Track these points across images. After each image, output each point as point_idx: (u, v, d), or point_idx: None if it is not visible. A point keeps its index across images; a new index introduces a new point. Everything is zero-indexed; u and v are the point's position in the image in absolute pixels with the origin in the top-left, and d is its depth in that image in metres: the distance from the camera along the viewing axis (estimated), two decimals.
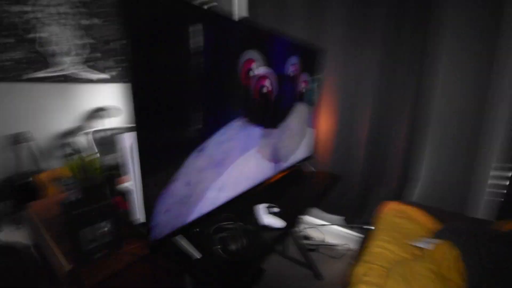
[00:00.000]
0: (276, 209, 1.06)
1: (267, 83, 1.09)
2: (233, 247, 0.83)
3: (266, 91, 1.10)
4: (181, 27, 0.71)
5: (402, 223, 1.33)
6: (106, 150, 2.34)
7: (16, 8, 2.19)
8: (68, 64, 2.55)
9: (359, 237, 1.81)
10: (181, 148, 0.79)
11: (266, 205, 1.05)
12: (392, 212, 1.46)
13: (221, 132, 0.91)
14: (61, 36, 2.48)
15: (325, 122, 1.88)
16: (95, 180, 0.84)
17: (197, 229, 0.89)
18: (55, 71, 2.48)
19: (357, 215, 1.89)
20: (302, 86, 1.41)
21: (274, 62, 1.11)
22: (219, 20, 0.84)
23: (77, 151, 2.61)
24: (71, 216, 0.80)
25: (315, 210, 2.06)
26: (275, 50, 1.12)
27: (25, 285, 1.07)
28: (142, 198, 0.68)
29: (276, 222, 0.98)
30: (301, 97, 1.43)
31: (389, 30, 1.53)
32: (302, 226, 2.06)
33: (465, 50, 1.42)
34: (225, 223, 0.93)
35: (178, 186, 0.79)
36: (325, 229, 2.04)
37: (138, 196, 0.78)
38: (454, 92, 1.50)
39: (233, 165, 0.99)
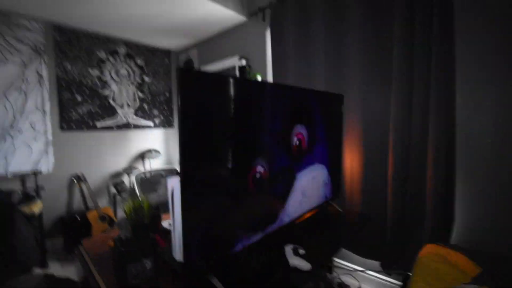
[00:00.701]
0: (302, 251, 1.09)
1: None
2: None
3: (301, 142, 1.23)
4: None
5: (441, 268, 1.25)
6: (147, 191, 2.56)
7: (97, 72, 2.76)
8: (124, 115, 2.99)
9: (397, 284, 1.68)
10: (220, 194, 0.90)
11: (292, 246, 1.09)
12: (430, 257, 1.38)
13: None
14: (120, 92, 2.98)
15: (351, 161, 1.91)
16: (143, 220, 0.97)
17: (227, 269, 0.95)
18: (117, 121, 2.94)
19: (394, 259, 1.78)
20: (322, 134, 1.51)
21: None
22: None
23: (122, 191, 2.88)
24: (120, 252, 0.92)
25: (350, 254, 1.98)
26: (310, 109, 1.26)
27: None
28: (181, 237, 0.79)
29: (302, 264, 1.01)
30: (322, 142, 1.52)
31: (406, 63, 1.61)
32: (335, 273, 1.97)
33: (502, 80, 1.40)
34: (254, 261, 0.99)
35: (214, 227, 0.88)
36: (360, 275, 1.93)
37: (177, 235, 0.89)
38: (492, 122, 1.43)
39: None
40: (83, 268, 1.31)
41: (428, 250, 1.43)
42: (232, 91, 0.92)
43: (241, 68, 2.52)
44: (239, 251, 0.99)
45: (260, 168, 1.04)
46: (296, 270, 1.00)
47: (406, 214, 1.73)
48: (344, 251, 1.99)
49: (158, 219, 1.13)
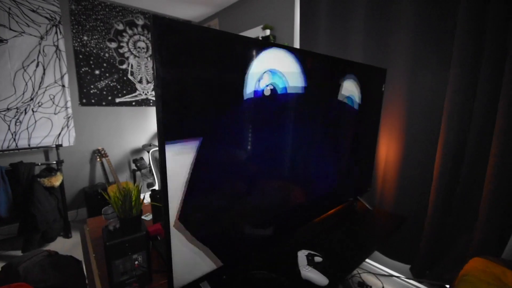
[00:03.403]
0: (318, 258, 0.90)
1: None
2: None
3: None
4: None
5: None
6: None
7: (114, 44, 2.66)
8: (143, 90, 2.91)
9: None
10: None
11: (306, 252, 0.90)
12: (479, 274, 1.12)
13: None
14: (138, 67, 2.88)
15: (387, 151, 1.63)
16: (131, 213, 0.84)
17: (224, 277, 0.80)
18: (136, 96, 2.87)
19: (427, 265, 1.54)
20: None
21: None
22: None
23: (142, 167, 2.87)
24: (105, 247, 0.81)
25: (375, 252, 1.76)
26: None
27: None
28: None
29: (317, 277, 0.82)
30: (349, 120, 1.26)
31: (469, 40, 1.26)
32: (356, 271, 1.78)
33: None
34: (256, 271, 0.82)
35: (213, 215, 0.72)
36: (385, 277, 1.72)
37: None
38: None
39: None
40: (83, 251, 1.25)
41: (477, 264, 1.17)
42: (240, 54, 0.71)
43: (265, 38, 2.24)
44: (239, 253, 0.83)
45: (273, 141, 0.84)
46: (309, 284, 0.82)
47: (451, 218, 1.45)
48: None
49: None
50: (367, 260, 1.82)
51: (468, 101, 1.31)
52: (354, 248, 1.05)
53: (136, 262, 0.85)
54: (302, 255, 0.90)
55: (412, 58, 1.47)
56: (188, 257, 0.70)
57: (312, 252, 0.91)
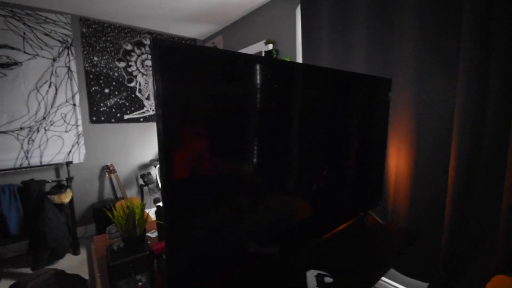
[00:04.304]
0: (329, 279, 0.86)
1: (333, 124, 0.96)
2: None
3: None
4: None
5: None
6: None
7: (123, 64, 2.75)
8: (150, 106, 2.97)
9: None
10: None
11: (315, 272, 0.86)
12: None
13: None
14: (145, 84, 2.95)
15: (397, 161, 1.58)
16: (135, 232, 0.83)
17: None
18: (144, 112, 2.94)
19: (447, 284, 1.45)
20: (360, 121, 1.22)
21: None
22: None
23: (149, 183, 2.89)
24: (109, 267, 0.79)
25: (390, 270, 1.68)
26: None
27: None
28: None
29: None
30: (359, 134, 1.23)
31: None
32: None
33: None
34: None
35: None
36: None
37: None
38: None
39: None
40: (89, 270, 1.24)
41: (500, 283, 1.09)
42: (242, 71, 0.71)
43: (268, 53, 2.27)
44: (240, 274, 0.80)
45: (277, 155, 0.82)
46: None
47: (469, 232, 1.37)
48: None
49: None
50: (384, 277, 1.73)
51: (479, 109, 1.27)
52: (366, 266, 1.00)
53: (140, 283, 0.83)
54: (311, 275, 0.85)
55: (417, 67, 1.45)
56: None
57: (322, 272, 0.87)
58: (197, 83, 0.63)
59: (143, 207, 0.87)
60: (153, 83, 0.55)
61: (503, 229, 1.21)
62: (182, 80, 0.59)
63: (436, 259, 1.45)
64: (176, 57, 0.57)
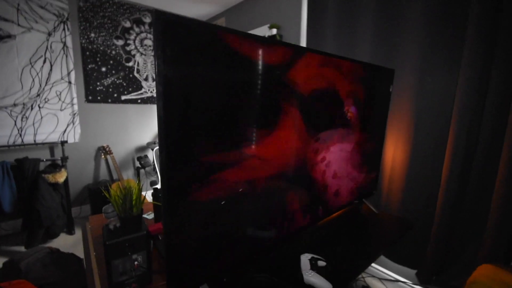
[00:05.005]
0: (322, 263, 0.88)
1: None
2: None
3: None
4: None
5: None
6: None
7: (121, 42, 2.67)
8: (149, 87, 2.92)
9: None
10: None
11: (309, 256, 0.88)
12: (488, 282, 1.09)
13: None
14: (144, 65, 2.88)
15: (394, 152, 1.59)
16: (132, 212, 0.83)
17: (225, 279, 0.78)
18: (142, 94, 2.88)
19: (434, 271, 1.50)
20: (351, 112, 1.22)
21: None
22: None
23: (146, 165, 2.88)
24: (105, 246, 0.80)
25: (380, 257, 1.73)
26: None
27: None
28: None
29: (320, 283, 0.80)
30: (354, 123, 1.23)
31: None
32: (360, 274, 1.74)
33: None
34: (258, 275, 0.80)
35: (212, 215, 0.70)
36: (390, 283, 1.68)
37: None
38: None
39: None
40: (84, 249, 1.25)
41: (485, 271, 1.13)
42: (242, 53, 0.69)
43: (271, 38, 2.22)
44: (239, 256, 0.81)
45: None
46: None
47: (460, 223, 1.41)
48: None
49: None
50: (373, 264, 1.78)
51: (478, 104, 1.27)
52: (358, 252, 1.03)
53: (136, 262, 0.84)
54: (305, 259, 0.87)
55: (420, 59, 1.43)
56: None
57: (316, 256, 0.89)
58: (202, 63, 0.60)
59: (140, 188, 0.87)
60: (154, 59, 0.53)
61: (492, 222, 1.24)
62: (185, 58, 0.57)
63: (426, 248, 1.50)
64: (180, 33, 0.55)
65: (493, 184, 1.24)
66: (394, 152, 1.60)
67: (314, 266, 0.85)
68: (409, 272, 1.62)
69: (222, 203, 0.72)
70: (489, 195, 1.26)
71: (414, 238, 1.54)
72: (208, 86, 0.63)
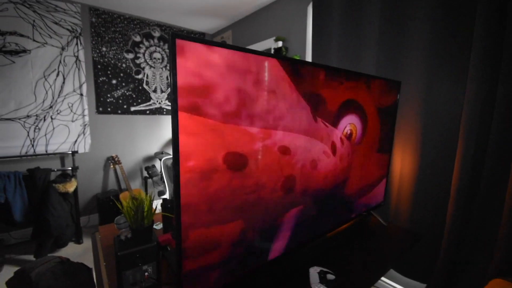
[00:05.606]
0: (331, 276, 0.87)
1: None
2: None
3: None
4: None
5: None
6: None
7: (131, 55, 2.75)
8: (157, 99, 2.98)
9: None
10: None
11: (318, 269, 0.88)
12: None
13: None
14: (153, 77, 2.96)
15: (401, 163, 1.59)
16: (143, 223, 0.85)
17: None
18: (150, 105, 2.95)
19: (444, 285, 1.46)
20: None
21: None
22: None
23: (153, 175, 2.91)
24: (116, 256, 0.81)
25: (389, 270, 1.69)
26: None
27: None
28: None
29: None
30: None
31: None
32: None
33: None
34: None
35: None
36: None
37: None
38: None
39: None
40: (94, 259, 1.26)
41: (497, 286, 1.10)
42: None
43: (277, 50, 2.27)
44: (246, 271, 0.81)
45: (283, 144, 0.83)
46: None
47: (470, 235, 1.38)
48: None
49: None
50: (382, 277, 1.75)
51: (486, 115, 1.27)
52: (368, 265, 1.02)
53: (146, 273, 0.85)
54: (314, 272, 0.87)
55: (427, 72, 1.45)
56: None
57: (325, 269, 0.89)
58: (214, 81, 0.63)
59: (151, 199, 0.89)
60: (170, 77, 0.55)
61: (503, 234, 1.22)
62: (199, 76, 0.60)
63: (435, 261, 1.47)
64: (194, 52, 0.58)
65: (503, 195, 1.22)
66: (401, 164, 1.60)
67: (323, 280, 0.85)
68: (419, 286, 1.58)
69: (232, 213, 0.73)
70: (499, 206, 1.24)
71: (424, 251, 1.52)
72: (222, 100, 0.66)
